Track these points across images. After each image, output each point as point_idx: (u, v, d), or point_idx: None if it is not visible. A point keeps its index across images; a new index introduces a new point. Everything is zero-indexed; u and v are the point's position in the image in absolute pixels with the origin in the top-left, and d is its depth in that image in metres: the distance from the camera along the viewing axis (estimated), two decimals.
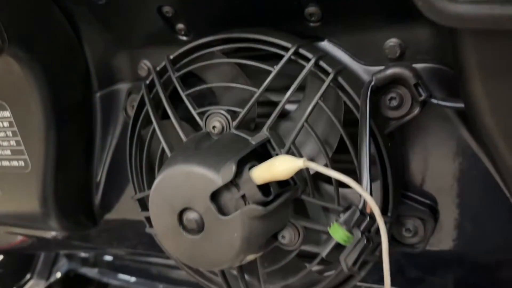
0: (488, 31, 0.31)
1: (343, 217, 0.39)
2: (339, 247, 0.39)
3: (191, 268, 0.62)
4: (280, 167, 0.40)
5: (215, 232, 0.44)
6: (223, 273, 0.56)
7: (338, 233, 0.38)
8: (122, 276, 1.09)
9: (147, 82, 0.57)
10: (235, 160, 0.42)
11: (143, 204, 0.63)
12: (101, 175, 0.72)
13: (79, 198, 0.72)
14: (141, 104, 0.58)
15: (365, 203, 0.39)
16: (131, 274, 1.08)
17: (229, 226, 0.43)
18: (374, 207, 0.36)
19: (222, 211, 0.43)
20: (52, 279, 1.16)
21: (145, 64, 0.62)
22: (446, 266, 0.56)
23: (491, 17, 0.29)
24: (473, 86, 0.36)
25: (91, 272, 1.13)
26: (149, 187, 0.60)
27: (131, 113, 0.64)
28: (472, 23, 0.30)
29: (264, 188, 0.43)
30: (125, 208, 0.73)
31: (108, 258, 1.11)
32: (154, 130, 0.56)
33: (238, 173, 0.42)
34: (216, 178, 0.42)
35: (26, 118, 0.61)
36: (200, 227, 0.44)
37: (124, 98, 0.65)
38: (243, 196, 0.43)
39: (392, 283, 0.60)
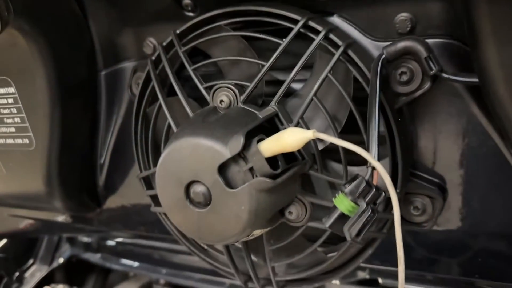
0: None
1: (348, 187, 0.38)
2: (344, 219, 0.38)
3: (196, 247, 0.61)
4: (289, 138, 0.40)
5: (222, 205, 0.43)
6: (228, 250, 0.56)
7: (343, 203, 0.38)
8: (125, 261, 1.09)
9: (153, 58, 0.56)
10: (243, 132, 0.42)
11: (148, 182, 0.62)
12: (105, 155, 0.72)
13: (83, 178, 0.72)
14: (147, 81, 0.58)
15: (371, 174, 0.38)
16: (134, 259, 1.08)
17: (236, 199, 0.42)
18: (384, 174, 0.35)
19: (229, 184, 0.43)
20: (54, 265, 1.16)
21: (151, 42, 0.62)
22: (453, 246, 0.55)
23: None
24: (488, 55, 0.36)
25: (94, 258, 1.13)
26: (155, 165, 0.60)
27: (136, 91, 0.63)
28: None
29: (272, 161, 0.43)
30: (129, 190, 0.73)
31: (111, 243, 1.11)
32: (160, 107, 0.55)
33: (246, 145, 0.42)
34: (224, 150, 0.42)
35: (30, 95, 0.61)
36: (207, 200, 0.44)
37: (129, 76, 0.64)
38: (251, 169, 0.42)
39: (396, 264, 0.60)
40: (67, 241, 1.16)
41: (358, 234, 0.37)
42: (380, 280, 0.76)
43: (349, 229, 0.37)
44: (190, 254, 0.90)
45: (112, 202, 0.76)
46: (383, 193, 0.38)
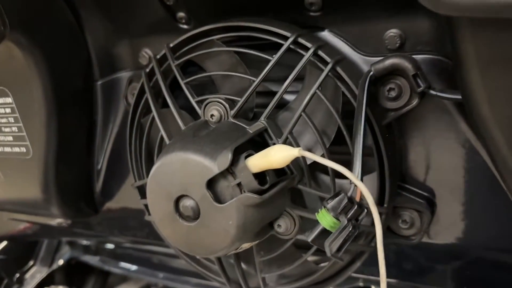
0: (484, 20, 0.31)
1: (331, 203, 0.39)
2: (326, 233, 0.39)
3: (189, 256, 0.62)
4: (275, 155, 0.40)
5: (211, 219, 0.44)
6: (219, 261, 0.57)
7: (325, 218, 0.39)
8: (123, 264, 1.10)
9: (147, 70, 0.57)
10: (231, 148, 0.42)
11: (143, 192, 0.63)
12: (102, 163, 0.73)
13: (80, 185, 0.73)
14: (141, 92, 0.58)
15: (354, 191, 0.39)
16: (132, 263, 1.09)
17: (224, 214, 0.43)
18: (366, 194, 0.36)
19: (218, 198, 0.44)
20: (54, 266, 1.17)
21: (146, 53, 0.63)
22: (442, 258, 0.56)
23: (486, 5, 0.29)
24: (470, 76, 0.36)
25: (93, 260, 1.14)
26: (148, 175, 0.60)
27: (132, 101, 0.64)
28: (468, 12, 0.30)
29: (261, 176, 0.44)
30: (125, 196, 0.74)
31: (110, 246, 1.12)
32: (153, 118, 0.56)
33: (234, 161, 0.43)
34: (212, 165, 0.43)
35: (27, 105, 0.62)
36: (196, 214, 0.45)
37: (125, 86, 0.65)
38: (239, 184, 0.43)
39: (389, 275, 0.61)
40: (66, 243, 1.18)
41: (338, 249, 0.38)
42: None
43: (329, 245, 0.38)
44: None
45: (109, 208, 0.77)
46: (365, 210, 0.39)
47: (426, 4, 0.31)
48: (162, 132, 0.53)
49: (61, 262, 1.17)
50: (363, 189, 0.36)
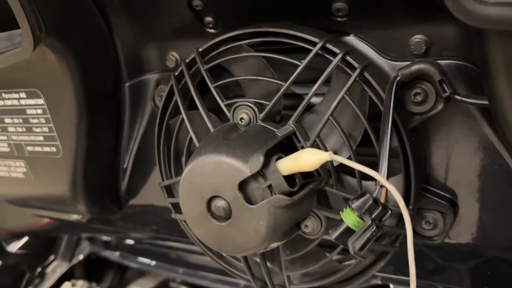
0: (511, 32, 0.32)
1: (355, 203, 0.40)
2: (349, 232, 0.40)
3: (215, 253, 0.64)
4: (306, 159, 0.42)
5: (242, 219, 0.45)
6: (245, 259, 0.58)
7: (349, 217, 0.40)
8: (142, 259, 1.12)
9: (176, 73, 0.58)
10: (262, 151, 0.44)
11: (169, 190, 0.65)
12: (128, 162, 0.75)
13: (106, 184, 0.75)
14: (170, 94, 0.60)
15: (379, 192, 0.40)
16: (151, 258, 1.11)
17: (255, 214, 0.45)
18: (396, 195, 0.37)
19: (249, 199, 0.45)
20: (74, 261, 1.20)
21: (173, 56, 0.64)
22: (463, 258, 0.57)
23: None
24: (498, 84, 0.37)
25: (112, 255, 1.16)
26: (176, 174, 0.62)
27: (159, 103, 0.66)
28: (500, 25, 0.31)
29: (290, 178, 0.45)
30: (149, 194, 0.76)
31: (129, 242, 1.14)
32: (182, 120, 0.58)
33: (265, 164, 0.44)
34: (244, 168, 0.44)
35: (59, 106, 0.64)
36: (227, 215, 0.46)
37: (152, 88, 0.67)
38: (270, 186, 0.44)
39: (408, 273, 0.62)
40: (86, 239, 1.20)
41: (361, 248, 0.39)
42: (391, 287, 0.78)
43: (352, 243, 0.39)
44: (205, 254, 0.93)
45: (133, 205, 0.79)
46: (389, 211, 0.40)
47: (459, 16, 0.32)
48: (192, 134, 0.54)
49: (81, 257, 1.20)
50: (393, 190, 0.38)
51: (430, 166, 0.53)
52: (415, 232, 0.54)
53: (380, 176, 0.39)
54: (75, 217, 0.84)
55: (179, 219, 0.64)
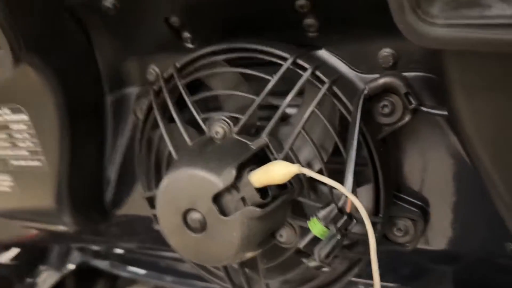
0: (466, 52, 0.34)
1: (322, 212, 0.42)
2: (316, 241, 0.42)
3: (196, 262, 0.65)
4: (276, 172, 0.43)
5: (217, 231, 0.47)
6: (225, 268, 0.60)
7: (316, 227, 0.42)
8: (132, 268, 1.13)
9: (155, 88, 0.60)
10: (235, 165, 0.46)
11: (152, 202, 0.66)
12: (112, 173, 0.76)
13: (91, 195, 0.76)
14: (150, 107, 0.62)
15: (345, 202, 0.42)
16: (140, 267, 1.12)
17: (229, 226, 0.46)
18: (358, 205, 0.39)
19: (223, 211, 0.47)
20: (65, 271, 1.20)
21: (153, 70, 0.66)
22: (438, 263, 0.59)
23: (466, 40, 0.32)
24: (456, 99, 0.39)
25: (102, 264, 1.17)
26: (157, 186, 0.64)
27: (140, 115, 0.67)
28: (449, 45, 0.33)
29: (263, 190, 0.47)
30: (134, 205, 0.77)
31: (119, 251, 1.15)
32: (161, 134, 0.59)
33: (238, 176, 0.46)
34: (218, 181, 0.46)
35: (42, 121, 0.65)
36: (203, 226, 0.48)
37: (134, 101, 0.69)
38: (243, 198, 0.46)
39: (387, 279, 0.64)
40: (77, 248, 1.21)
41: (327, 256, 0.41)
42: None
43: (318, 251, 0.41)
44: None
45: (118, 215, 0.80)
46: (354, 220, 0.42)
47: (410, 38, 0.34)
48: (170, 148, 0.56)
49: (72, 266, 1.20)
50: (356, 201, 0.39)
51: (401, 175, 0.55)
52: (387, 239, 0.55)
53: (343, 189, 0.40)
54: (64, 228, 0.85)
55: (161, 230, 0.66)
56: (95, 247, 1.17)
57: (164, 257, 1.08)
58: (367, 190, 0.52)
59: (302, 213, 0.55)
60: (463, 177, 0.52)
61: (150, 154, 0.63)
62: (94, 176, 0.75)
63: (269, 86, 0.50)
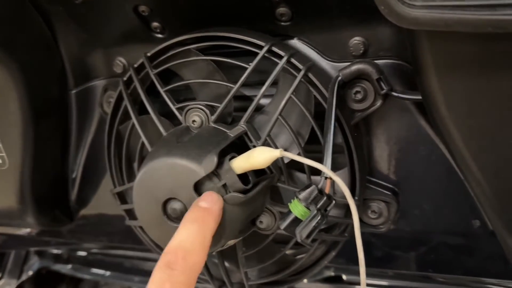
0: (440, 33, 0.36)
1: (302, 194, 0.43)
2: (297, 222, 0.43)
3: None
4: (258, 157, 0.44)
5: None
6: None
7: (297, 208, 0.43)
8: (96, 270, 1.10)
9: (125, 78, 0.58)
10: (216, 151, 0.45)
11: (122, 197, 0.65)
12: (77, 171, 0.74)
13: (55, 194, 0.74)
14: (119, 100, 0.60)
15: (324, 183, 0.43)
16: (105, 269, 1.09)
17: None
18: (340, 183, 0.40)
19: None
20: (23, 277, 1.15)
21: (120, 61, 0.64)
22: (408, 244, 0.61)
23: (441, 20, 0.33)
24: (429, 81, 0.41)
25: (64, 269, 1.13)
26: (128, 180, 0.62)
27: (108, 109, 0.66)
28: (426, 26, 0.34)
29: (243, 177, 0.47)
30: (101, 203, 0.75)
31: (82, 253, 1.11)
32: (133, 125, 0.58)
33: (219, 164, 0.46)
34: (199, 169, 0.45)
35: (4, 117, 0.62)
36: (184, 216, 0.47)
37: (100, 95, 0.67)
38: (224, 185, 0.46)
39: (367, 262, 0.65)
40: (35, 253, 1.16)
41: (308, 236, 0.42)
42: (344, 277, 0.81)
43: (300, 232, 0.42)
44: None
45: (84, 215, 0.78)
46: (334, 201, 0.43)
47: (391, 19, 0.35)
48: (143, 139, 0.55)
49: (30, 272, 1.15)
50: (337, 179, 0.40)
51: (373, 159, 0.57)
52: (361, 222, 0.57)
53: (325, 168, 0.41)
54: (24, 230, 0.82)
55: (134, 226, 0.64)
56: (55, 251, 1.13)
57: (130, 257, 1.06)
58: (341, 175, 0.53)
59: (280, 200, 0.55)
60: (432, 160, 0.55)
61: (120, 148, 0.62)
62: (58, 174, 0.72)
63: (247, 73, 0.50)
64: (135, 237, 0.68)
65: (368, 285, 0.75)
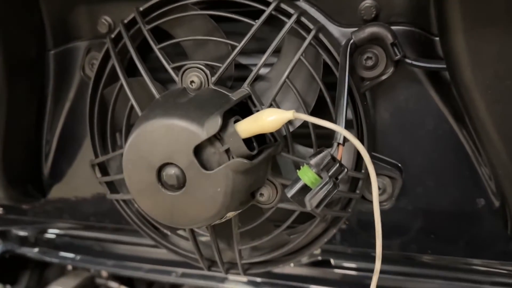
0: None
1: (314, 159, 0.39)
2: (306, 190, 0.39)
3: (157, 234, 0.60)
4: (268, 118, 0.40)
5: (197, 187, 0.42)
6: (193, 235, 0.55)
7: (306, 175, 0.39)
8: (65, 254, 1.04)
9: (112, 36, 0.53)
10: (220, 113, 0.41)
11: (104, 168, 0.59)
12: (52, 141, 0.68)
13: (28, 166, 0.68)
14: (104, 60, 0.55)
15: (336, 150, 0.39)
16: (75, 252, 1.03)
17: (212, 181, 0.42)
18: (360, 148, 0.37)
19: (204, 166, 0.42)
20: None
21: (106, 20, 0.59)
22: (409, 223, 0.58)
23: None
24: (455, 41, 0.38)
25: (31, 252, 1.06)
26: (113, 149, 0.57)
27: (90, 72, 0.60)
28: None
29: (247, 143, 0.43)
30: (77, 178, 0.70)
31: (50, 236, 1.05)
32: (120, 88, 0.53)
33: (222, 126, 0.41)
34: (200, 131, 0.41)
35: None
36: (181, 183, 0.43)
37: (82, 56, 0.61)
38: (227, 150, 0.42)
39: (348, 245, 0.62)
40: None
41: (318, 205, 0.38)
42: (332, 261, 0.78)
43: (310, 200, 0.38)
44: (137, 244, 0.88)
45: (58, 191, 0.72)
46: (346, 169, 0.40)
47: None
48: (133, 101, 0.50)
49: None
50: (356, 142, 0.37)
51: (377, 133, 0.53)
52: (364, 198, 0.54)
53: (343, 130, 0.38)
54: None
55: (116, 200, 0.59)
56: (22, 233, 1.06)
57: (102, 240, 1.00)
58: (347, 147, 0.50)
59: (279, 173, 0.52)
60: (439, 135, 0.52)
61: (103, 115, 0.57)
62: (31, 144, 0.66)
63: (252, 31, 0.46)
64: (112, 215, 0.63)
65: (358, 269, 0.73)
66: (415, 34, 0.49)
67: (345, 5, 0.50)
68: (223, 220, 0.46)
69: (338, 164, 0.40)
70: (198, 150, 0.42)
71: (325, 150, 0.40)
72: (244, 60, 0.56)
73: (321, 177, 0.39)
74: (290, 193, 0.39)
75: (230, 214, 0.46)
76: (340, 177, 0.41)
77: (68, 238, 1.03)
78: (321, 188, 0.39)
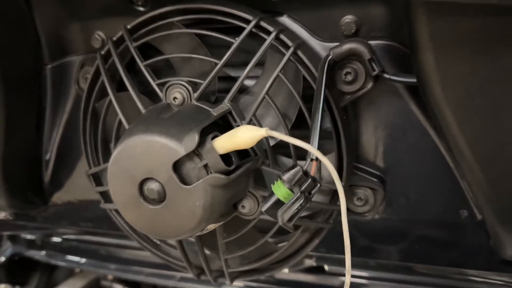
0: (440, 5, 0.33)
1: (286, 175, 0.40)
2: (279, 204, 0.40)
3: (148, 242, 0.62)
4: (243, 136, 0.41)
5: (177, 201, 0.44)
6: (181, 245, 0.57)
7: (280, 190, 0.40)
8: (71, 257, 1.07)
9: (102, 52, 0.55)
10: (197, 129, 0.43)
11: (97, 179, 0.62)
12: (51, 151, 0.70)
13: (28, 175, 0.70)
14: (96, 75, 0.57)
15: (309, 165, 0.41)
16: (80, 255, 1.06)
17: (191, 195, 0.43)
18: (329, 166, 0.38)
19: (184, 180, 0.44)
20: None
21: (99, 36, 0.61)
22: (393, 234, 0.59)
23: None
24: (425, 59, 0.39)
25: (38, 255, 1.09)
26: (104, 161, 0.59)
27: (84, 85, 0.62)
28: None
29: (226, 158, 0.44)
30: (76, 186, 0.72)
31: (56, 240, 1.08)
32: (109, 103, 0.55)
33: (201, 142, 0.43)
34: (179, 147, 0.43)
35: None
36: (161, 197, 0.44)
37: (77, 70, 0.63)
38: (206, 166, 0.43)
39: (342, 251, 0.63)
40: (8, 239, 1.12)
41: (290, 219, 0.40)
42: (326, 267, 0.79)
43: (281, 214, 0.39)
44: (139, 249, 0.90)
45: (58, 198, 0.74)
46: (318, 184, 0.41)
47: None
48: (121, 116, 0.52)
49: (2, 259, 1.11)
50: (324, 159, 0.38)
51: (360, 145, 0.54)
52: (347, 210, 0.55)
53: (311, 148, 0.39)
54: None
55: (109, 209, 0.61)
56: (29, 237, 1.09)
57: (106, 244, 1.03)
58: (328, 159, 0.51)
59: (263, 185, 0.53)
60: (420, 147, 0.53)
61: (96, 126, 0.59)
62: (31, 154, 0.69)
63: (233, 48, 0.47)
64: (110, 222, 0.65)
65: (352, 276, 0.73)
66: (395, 49, 0.50)
67: (327, 21, 0.51)
68: (204, 232, 0.48)
69: (310, 179, 0.41)
70: (177, 166, 0.43)
71: (297, 165, 0.41)
72: (232, 72, 0.58)
73: (293, 192, 0.40)
74: (264, 207, 0.41)
75: (211, 226, 0.48)
76: (313, 191, 0.42)
77: (74, 242, 1.06)
78: (293, 203, 0.40)
